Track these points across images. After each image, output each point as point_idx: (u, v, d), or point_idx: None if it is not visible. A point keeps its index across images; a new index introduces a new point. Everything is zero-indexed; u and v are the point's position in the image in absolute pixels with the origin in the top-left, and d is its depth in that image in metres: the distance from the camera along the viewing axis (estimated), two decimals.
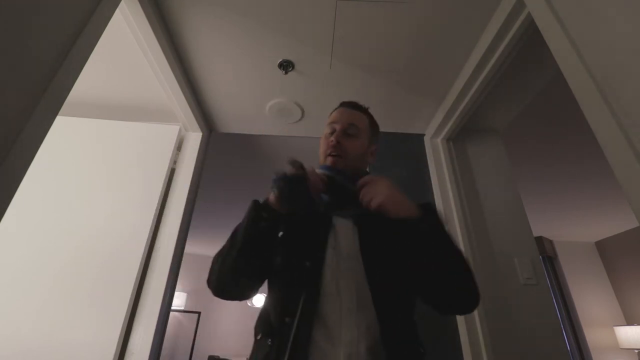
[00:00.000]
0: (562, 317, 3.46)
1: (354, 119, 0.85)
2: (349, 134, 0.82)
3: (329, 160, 0.80)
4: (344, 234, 0.72)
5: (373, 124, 0.91)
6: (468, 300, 0.69)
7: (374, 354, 0.60)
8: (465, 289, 0.67)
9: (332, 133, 0.83)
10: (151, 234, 1.38)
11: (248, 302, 4.72)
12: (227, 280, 0.72)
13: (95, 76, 1.46)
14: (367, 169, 0.92)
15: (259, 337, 0.68)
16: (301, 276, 0.67)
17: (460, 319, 1.30)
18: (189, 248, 1.54)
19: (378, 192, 0.68)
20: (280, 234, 0.72)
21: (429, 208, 0.69)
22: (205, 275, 0.74)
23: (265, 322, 0.70)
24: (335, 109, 0.90)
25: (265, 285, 0.76)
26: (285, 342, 0.61)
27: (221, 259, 0.71)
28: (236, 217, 0.75)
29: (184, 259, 1.52)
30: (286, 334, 0.62)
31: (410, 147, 1.73)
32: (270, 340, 0.64)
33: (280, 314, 0.66)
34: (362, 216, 0.73)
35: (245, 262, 0.69)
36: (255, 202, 0.71)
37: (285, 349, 0.60)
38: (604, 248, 3.88)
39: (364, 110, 0.90)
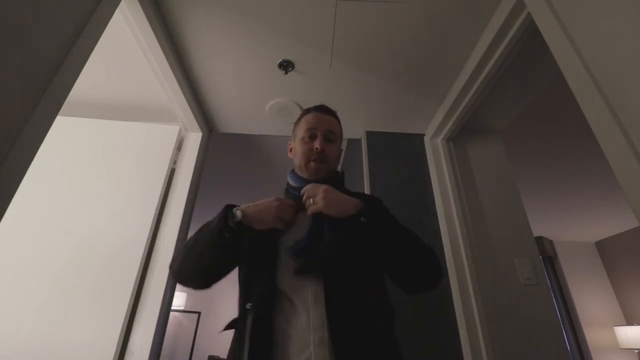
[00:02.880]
0: (562, 317, 3.46)
1: (331, 125, 0.89)
2: (329, 139, 0.87)
3: (312, 166, 0.83)
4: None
5: (341, 127, 0.95)
6: (429, 275, 0.75)
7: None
8: (424, 265, 0.74)
9: (311, 137, 0.86)
10: (151, 234, 1.38)
11: None
12: (188, 273, 0.78)
13: (95, 76, 1.46)
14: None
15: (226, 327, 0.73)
16: (262, 265, 0.71)
17: (460, 320, 1.30)
18: None
19: (318, 199, 0.73)
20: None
21: (370, 203, 0.75)
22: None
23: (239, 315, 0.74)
24: (307, 112, 0.92)
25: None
26: (246, 329, 0.65)
27: (184, 254, 0.77)
28: None
29: None
30: (247, 320, 0.66)
31: (410, 147, 1.73)
32: (235, 329, 0.70)
33: (242, 303, 0.70)
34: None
35: (205, 262, 0.75)
36: (227, 215, 0.72)
37: (245, 334, 0.64)
38: (604, 248, 3.88)
39: (336, 115, 0.94)
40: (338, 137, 0.90)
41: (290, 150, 0.94)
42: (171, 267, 0.81)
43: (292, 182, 0.87)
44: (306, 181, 0.84)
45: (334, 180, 0.86)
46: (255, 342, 0.63)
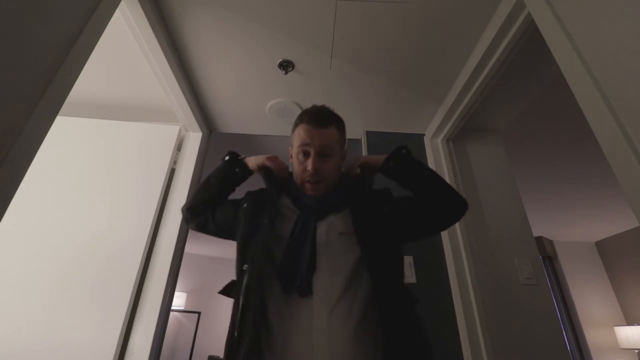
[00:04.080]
0: (562, 317, 3.46)
1: (326, 138, 0.80)
2: (324, 154, 0.80)
3: (308, 187, 0.81)
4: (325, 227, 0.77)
5: (341, 130, 0.86)
6: (456, 206, 0.84)
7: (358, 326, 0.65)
8: (450, 196, 0.84)
9: (304, 154, 0.81)
10: (151, 234, 1.38)
11: None
12: (195, 204, 0.94)
13: (95, 76, 1.46)
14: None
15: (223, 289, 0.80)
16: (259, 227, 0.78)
17: (460, 320, 1.30)
18: (189, 248, 1.54)
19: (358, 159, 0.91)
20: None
21: (397, 150, 0.88)
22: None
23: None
24: (302, 120, 0.83)
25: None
26: (241, 291, 0.71)
27: (195, 192, 0.96)
28: None
29: (184, 259, 1.51)
30: (243, 281, 0.72)
31: (410, 147, 1.73)
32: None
33: (239, 265, 0.76)
34: (354, 206, 0.80)
35: (210, 194, 0.92)
36: (235, 157, 0.94)
37: (240, 296, 0.70)
38: (604, 248, 3.88)
39: (331, 121, 0.83)
40: (336, 147, 0.83)
41: (291, 157, 0.89)
42: (184, 207, 0.97)
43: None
44: (306, 195, 0.83)
45: (340, 192, 0.83)
46: (248, 304, 0.68)
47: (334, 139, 0.83)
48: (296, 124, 0.85)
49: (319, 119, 0.82)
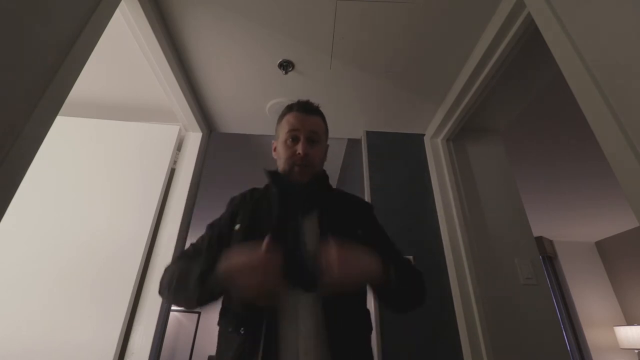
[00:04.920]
0: (562, 317, 3.47)
1: (314, 125, 0.84)
2: (312, 140, 0.83)
3: (297, 170, 0.80)
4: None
5: (325, 123, 0.90)
6: (419, 300, 0.77)
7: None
8: (417, 298, 0.76)
9: (293, 140, 0.82)
10: (151, 234, 1.38)
11: None
12: (178, 304, 0.74)
13: (95, 76, 1.46)
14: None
15: (230, 330, 0.68)
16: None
17: (460, 320, 1.30)
18: None
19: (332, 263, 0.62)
20: (237, 226, 0.77)
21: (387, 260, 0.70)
22: None
23: (233, 315, 0.69)
24: (289, 110, 0.86)
25: None
26: (259, 331, 0.63)
27: (169, 291, 0.73)
28: None
29: None
30: (259, 324, 0.64)
31: (410, 147, 1.74)
32: (242, 329, 0.65)
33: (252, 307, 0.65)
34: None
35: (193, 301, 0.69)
36: (204, 275, 0.65)
37: (260, 337, 0.63)
38: (604, 248, 3.88)
39: (318, 112, 0.88)
40: (322, 136, 0.86)
41: (275, 150, 0.90)
42: (161, 293, 0.78)
43: (274, 187, 0.82)
44: (290, 184, 0.81)
45: (320, 182, 0.84)
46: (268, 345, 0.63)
47: (321, 128, 0.86)
48: (283, 114, 0.88)
49: (307, 107, 0.86)
